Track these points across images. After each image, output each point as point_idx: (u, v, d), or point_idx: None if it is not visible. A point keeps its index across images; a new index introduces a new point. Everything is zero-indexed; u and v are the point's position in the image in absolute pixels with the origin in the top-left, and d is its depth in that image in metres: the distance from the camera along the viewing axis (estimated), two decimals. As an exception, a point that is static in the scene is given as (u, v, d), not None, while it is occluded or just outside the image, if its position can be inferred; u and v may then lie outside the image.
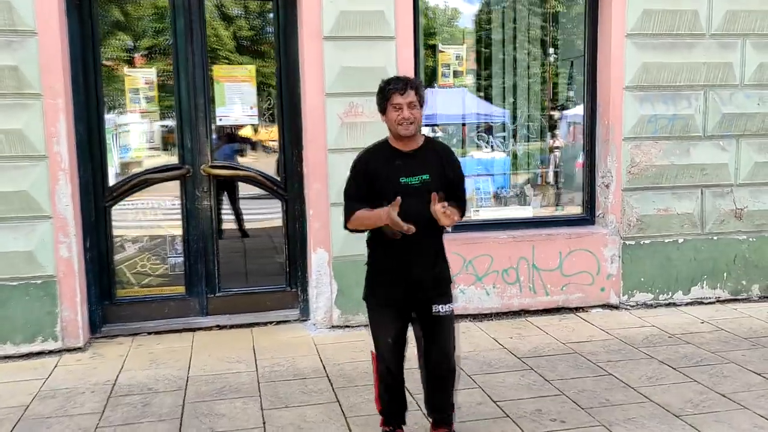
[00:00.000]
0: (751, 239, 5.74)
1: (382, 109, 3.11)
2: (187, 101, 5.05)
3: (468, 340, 4.88)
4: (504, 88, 5.91)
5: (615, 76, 5.39)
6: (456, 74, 5.42)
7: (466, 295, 5.35)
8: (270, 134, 5.32)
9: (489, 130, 5.90)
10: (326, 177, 5.02)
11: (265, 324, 5.28)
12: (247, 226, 5.49)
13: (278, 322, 5.31)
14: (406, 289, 3.09)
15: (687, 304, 5.70)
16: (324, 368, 4.41)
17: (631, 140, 5.48)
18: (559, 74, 6.21)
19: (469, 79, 5.65)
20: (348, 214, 3.09)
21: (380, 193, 3.01)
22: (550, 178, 6.19)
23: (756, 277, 5.78)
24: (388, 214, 2.87)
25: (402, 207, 2.86)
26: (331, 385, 4.13)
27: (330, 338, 5.00)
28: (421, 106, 3.07)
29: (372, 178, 3.06)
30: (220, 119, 5.19)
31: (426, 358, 3.19)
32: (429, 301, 3.10)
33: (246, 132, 5.40)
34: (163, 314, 5.20)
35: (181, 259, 5.23)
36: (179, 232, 5.21)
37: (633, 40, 5.37)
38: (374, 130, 4.72)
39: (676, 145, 5.54)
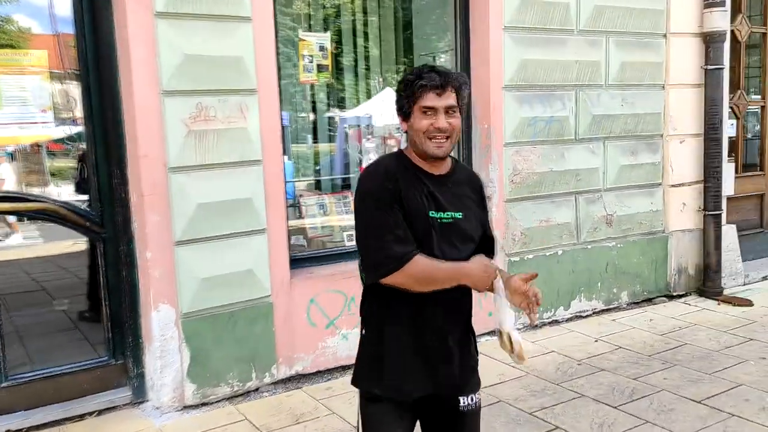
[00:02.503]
0: (619, 245, 5.53)
1: (406, 112, 2.09)
2: (-63, 101, 3.32)
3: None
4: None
5: (494, 74, 4.77)
6: (320, 69, 4.35)
7: (349, 341, 4.33)
8: (75, 148, 3.77)
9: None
10: (168, 205, 3.65)
11: (83, 417, 3.73)
12: (46, 279, 3.87)
13: (102, 411, 3.79)
14: (437, 376, 2.11)
15: (568, 319, 5.31)
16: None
17: (512, 146, 4.91)
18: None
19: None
20: (391, 258, 1.99)
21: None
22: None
23: (624, 284, 5.60)
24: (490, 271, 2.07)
25: (421, 247, 2.01)
26: None
27: (187, 426, 3.65)
28: (461, 113, 2.09)
29: (404, 204, 2.03)
30: (-5, 129, 3.53)
31: None
32: (456, 390, 2.16)
33: (37, 146, 3.78)
34: None
35: (-62, 340, 3.47)
36: (-67, 299, 3.45)
37: (511, 33, 4.79)
38: (232, 139, 3.55)
39: (553, 150, 5.10)
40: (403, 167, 2.08)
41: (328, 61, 4.39)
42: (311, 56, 4.30)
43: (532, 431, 3.50)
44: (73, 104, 3.69)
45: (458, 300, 2.12)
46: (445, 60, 5.17)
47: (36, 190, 3.76)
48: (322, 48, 4.33)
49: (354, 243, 4.54)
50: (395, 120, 5.33)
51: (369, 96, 5.44)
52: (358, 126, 5.69)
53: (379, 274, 2.02)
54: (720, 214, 5.86)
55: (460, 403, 2.16)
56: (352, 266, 4.42)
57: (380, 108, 5.51)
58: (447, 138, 2.03)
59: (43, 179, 3.83)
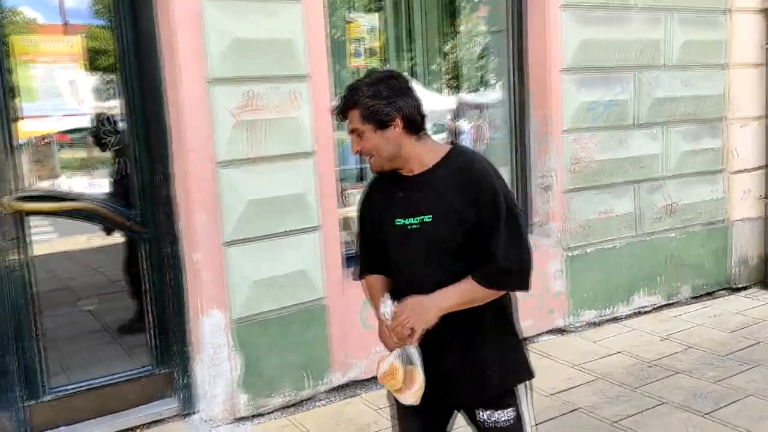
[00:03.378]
0: (680, 236, 5.21)
1: None
2: (-33, 94, 3.04)
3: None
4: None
5: (552, 56, 4.45)
6: (370, 52, 4.04)
7: (405, 345, 4.05)
8: (114, 143, 3.49)
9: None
10: (216, 203, 3.37)
11: None
12: (84, 281, 3.61)
13: (149, 425, 3.53)
14: (439, 386, 1.96)
15: (627, 316, 5.01)
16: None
17: (571, 132, 4.59)
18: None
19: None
20: (359, 267, 2.16)
21: (384, 238, 2.01)
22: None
23: (685, 277, 5.29)
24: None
25: (399, 265, 1.99)
26: None
27: (241, 441, 3.39)
28: (381, 127, 1.86)
29: (376, 219, 2.02)
30: (28, 123, 3.24)
31: None
32: (469, 405, 2.02)
33: (75, 142, 3.50)
34: (-50, 447, 3.16)
35: (-27, 352, 3.21)
36: (-33, 307, 3.19)
37: (569, 11, 4.46)
38: (283, 130, 3.26)
39: (612, 136, 4.78)
40: (385, 177, 1.98)
41: (378, 44, 4.08)
42: (360, 39, 3.99)
43: (618, 446, 3.22)
44: (112, 96, 3.41)
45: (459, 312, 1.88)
46: (494, 44, 4.84)
47: (73, 188, 3.47)
48: (371, 30, 4.01)
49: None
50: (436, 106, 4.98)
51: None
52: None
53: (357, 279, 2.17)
54: (785, 201, 5.53)
55: (476, 416, 1.99)
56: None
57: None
58: (371, 155, 1.91)
59: (79, 177, 3.55)
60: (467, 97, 5.31)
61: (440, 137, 5.92)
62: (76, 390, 3.43)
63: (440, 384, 1.94)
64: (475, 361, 1.95)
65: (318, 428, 3.48)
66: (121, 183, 3.51)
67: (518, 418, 1.98)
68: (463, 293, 1.85)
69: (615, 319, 4.95)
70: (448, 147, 1.97)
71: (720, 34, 5.21)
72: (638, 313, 5.06)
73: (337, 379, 3.84)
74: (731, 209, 5.49)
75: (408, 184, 1.93)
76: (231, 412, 3.53)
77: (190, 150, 3.28)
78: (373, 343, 3.97)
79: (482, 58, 5.03)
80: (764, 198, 5.54)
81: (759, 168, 5.58)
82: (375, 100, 1.83)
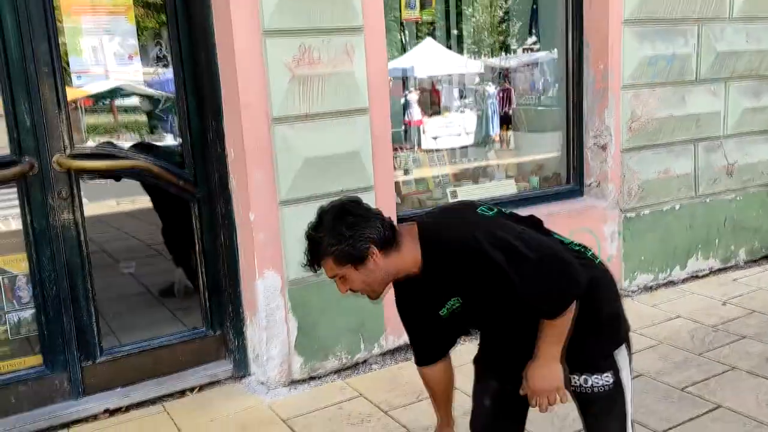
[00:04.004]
0: (738, 198, 5.01)
1: None
2: (17, 50, 2.93)
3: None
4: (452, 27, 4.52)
5: (612, 7, 4.22)
6: (424, 5, 3.86)
7: (459, 308, 3.94)
8: (165, 100, 3.38)
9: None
10: (272, 160, 3.26)
11: (184, 393, 3.43)
12: (137, 242, 3.55)
13: (203, 387, 3.49)
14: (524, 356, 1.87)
15: (684, 280, 4.85)
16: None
17: (631, 88, 4.38)
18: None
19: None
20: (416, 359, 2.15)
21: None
22: (512, 142, 4.96)
23: (742, 240, 5.10)
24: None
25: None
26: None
27: (299, 403, 3.32)
28: (360, 263, 1.75)
29: (416, 314, 1.98)
30: (79, 78, 3.15)
31: None
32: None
33: (124, 98, 3.40)
34: (8, 408, 3.13)
35: (30, 312, 3.17)
36: (23, 268, 3.13)
37: (632, -40, 4.23)
38: (338, 85, 3.15)
39: (673, 92, 4.56)
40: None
41: (431, -6, 3.90)
42: (413, -10, 3.81)
43: (692, 410, 3.09)
44: (162, 49, 3.29)
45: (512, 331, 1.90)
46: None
47: (125, 146, 3.38)
48: (424, -20, 3.83)
49: (459, 199, 4.16)
50: (438, 71, 4.85)
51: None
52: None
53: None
54: None
55: (570, 382, 1.88)
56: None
57: (422, 59, 5.10)
58: (365, 293, 1.85)
59: (130, 134, 3.45)
60: (518, 57, 5.14)
61: (468, 101, 5.80)
62: (130, 351, 3.39)
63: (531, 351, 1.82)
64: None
65: (373, 392, 3.40)
66: (171, 141, 3.41)
67: (617, 384, 1.87)
68: (553, 336, 1.76)
69: (671, 283, 4.79)
70: (417, 238, 1.80)
71: (786, -16, 4.92)
72: (695, 277, 4.89)
73: (391, 342, 3.75)
74: (792, 170, 5.25)
75: (418, 284, 1.85)
76: (286, 374, 3.46)
77: (245, 105, 3.15)
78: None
79: (535, 11, 4.81)
80: (828, 158, 5.28)
81: (822, 126, 5.32)
82: (341, 244, 1.71)
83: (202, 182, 3.42)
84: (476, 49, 5.53)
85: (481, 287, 1.75)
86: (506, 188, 4.39)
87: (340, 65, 3.33)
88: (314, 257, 1.76)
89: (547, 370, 1.78)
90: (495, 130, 5.42)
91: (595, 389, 1.87)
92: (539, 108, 5.20)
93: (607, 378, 1.87)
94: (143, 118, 3.43)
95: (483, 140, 5.39)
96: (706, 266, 4.94)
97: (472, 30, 5.06)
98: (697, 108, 4.67)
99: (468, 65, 5.66)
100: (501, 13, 5.25)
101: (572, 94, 4.47)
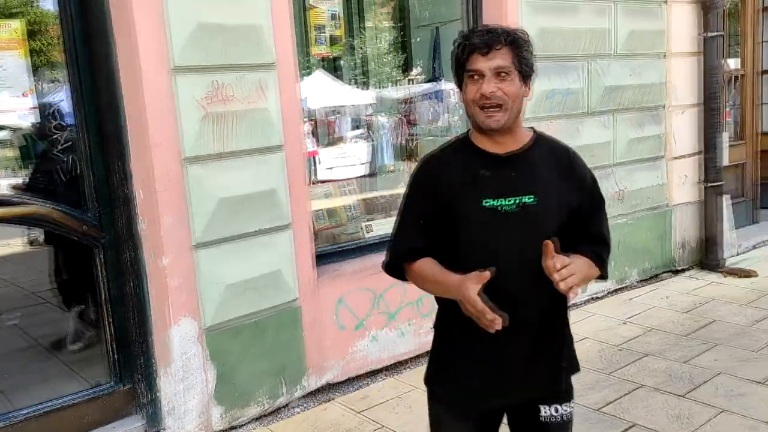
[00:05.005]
0: (629, 222, 5.34)
1: (459, 81, 1.81)
2: None
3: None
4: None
5: (511, 44, 4.41)
6: (333, 41, 3.86)
7: (379, 343, 3.92)
8: (64, 140, 3.15)
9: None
10: (184, 202, 3.11)
11: (91, 455, 3.17)
12: (17, 289, 3.26)
13: (112, 447, 3.24)
14: (508, 381, 1.85)
15: (585, 302, 5.08)
16: None
17: (532, 120, 4.55)
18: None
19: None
20: (396, 252, 1.89)
21: (455, 223, 1.79)
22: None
23: (634, 261, 5.42)
24: (462, 292, 1.67)
25: (485, 253, 1.74)
26: None
27: (221, 457, 3.16)
28: (525, 77, 1.78)
29: (444, 198, 1.80)
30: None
31: None
32: (536, 400, 1.88)
33: (18, 138, 3.14)
34: None
35: None
36: None
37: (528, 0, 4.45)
38: (252, 122, 3.08)
39: (569, 124, 4.82)
40: (459, 151, 1.84)
41: (340, 32, 3.90)
42: (322, 26, 3.80)
43: (611, 430, 3.21)
44: (60, 87, 3.07)
45: (525, 311, 1.77)
46: (450, 32, 4.77)
47: (21, 191, 3.11)
48: (333, 17, 3.83)
49: (374, 234, 4.16)
50: (333, 101, 4.89)
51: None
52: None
53: (386, 268, 1.92)
54: (721, 185, 5.77)
55: (540, 412, 1.87)
56: (377, 260, 4.00)
57: (314, 89, 5.11)
58: (499, 106, 1.72)
59: (26, 178, 3.19)
60: (420, 87, 5.23)
61: (361, 132, 5.86)
62: (30, 414, 3.08)
63: (513, 376, 1.82)
64: (551, 350, 1.86)
65: (300, 437, 3.30)
66: (72, 184, 3.18)
67: (572, 413, 1.92)
68: (588, 270, 1.81)
69: (573, 305, 5.00)
70: (533, 130, 1.88)
71: (660, 24, 5.36)
72: (594, 299, 5.14)
73: (313, 383, 3.66)
74: (672, 194, 5.68)
75: (497, 162, 1.77)
76: (205, 426, 3.28)
77: (154, 145, 3.00)
78: (348, 344, 3.83)
79: (436, 49, 4.95)
80: (703, 182, 5.76)
81: (695, 154, 5.80)
82: (530, 49, 1.77)
83: (108, 226, 3.21)
84: (368, 80, 5.58)
85: (567, 194, 1.80)
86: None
87: (254, 102, 3.26)
88: (502, 38, 1.71)
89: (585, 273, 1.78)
90: (389, 160, 5.48)
91: (564, 417, 1.89)
92: (430, 138, 5.28)
93: (571, 406, 1.92)
94: (40, 158, 3.18)
95: (379, 170, 5.45)
96: (604, 287, 5.21)
97: (360, 61, 5.10)
98: (591, 139, 4.95)
99: (360, 96, 5.72)
100: (390, 46, 5.34)
101: (476, 127, 4.60)
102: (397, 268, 1.90)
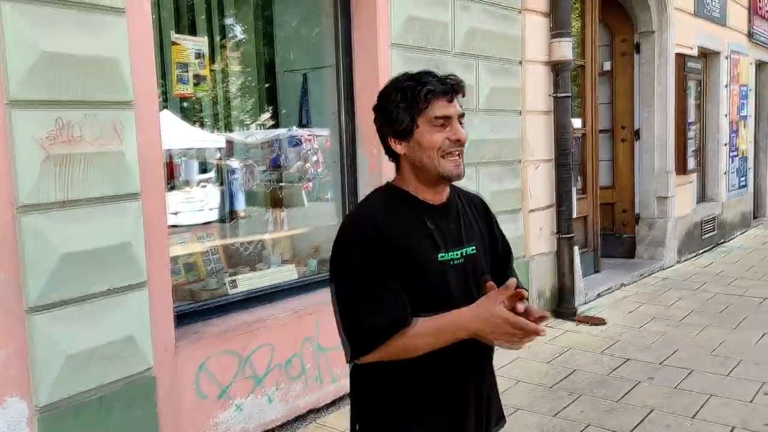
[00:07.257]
0: (492, 273, 5.41)
1: (406, 129, 1.69)
2: None
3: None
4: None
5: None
6: (198, 81, 3.55)
7: (244, 412, 3.56)
8: None
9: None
10: (17, 258, 2.62)
11: None
12: None
13: None
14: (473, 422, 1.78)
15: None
16: None
17: (401, 172, 4.51)
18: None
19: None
20: (374, 334, 1.59)
21: (412, 276, 1.64)
22: (285, 223, 4.78)
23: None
24: (490, 320, 1.53)
25: (438, 303, 1.63)
26: None
27: None
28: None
29: (401, 252, 1.63)
30: None
31: None
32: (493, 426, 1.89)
33: None
34: None
35: None
36: None
37: (398, 51, 4.43)
38: (104, 167, 2.71)
39: (436, 177, 4.81)
40: (396, 205, 1.71)
41: (206, 71, 3.60)
42: (186, 64, 3.48)
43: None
44: None
45: (474, 349, 1.71)
46: (322, 78, 4.63)
47: None
48: (199, 55, 3.53)
49: (239, 290, 3.83)
50: (177, 144, 4.60)
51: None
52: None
53: (353, 354, 1.63)
54: (573, 236, 6.06)
55: None
56: (244, 318, 3.68)
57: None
58: (460, 154, 1.72)
59: None
60: (274, 132, 5.03)
61: (210, 176, 5.58)
62: None
63: (482, 414, 1.79)
64: (493, 383, 1.88)
65: None
66: None
67: None
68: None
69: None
70: None
71: (517, 83, 5.59)
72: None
73: (168, 464, 3.21)
74: (529, 245, 5.87)
75: (440, 213, 1.73)
76: None
77: (-19, 191, 2.51)
78: (209, 415, 3.43)
79: (304, 95, 4.78)
80: (557, 233, 6.02)
81: (549, 206, 6.07)
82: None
83: None
84: (219, 124, 5.31)
85: (491, 240, 1.85)
86: (286, 274, 4.15)
87: (107, 144, 2.86)
88: (458, 83, 1.69)
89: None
90: (240, 206, 5.23)
91: None
92: (287, 183, 5.09)
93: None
94: None
95: (228, 216, 5.17)
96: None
97: (220, 102, 4.85)
98: (456, 191, 4.97)
99: (211, 139, 5.41)
100: (251, 90, 5.14)
101: (346, 176, 4.46)
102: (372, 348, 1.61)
